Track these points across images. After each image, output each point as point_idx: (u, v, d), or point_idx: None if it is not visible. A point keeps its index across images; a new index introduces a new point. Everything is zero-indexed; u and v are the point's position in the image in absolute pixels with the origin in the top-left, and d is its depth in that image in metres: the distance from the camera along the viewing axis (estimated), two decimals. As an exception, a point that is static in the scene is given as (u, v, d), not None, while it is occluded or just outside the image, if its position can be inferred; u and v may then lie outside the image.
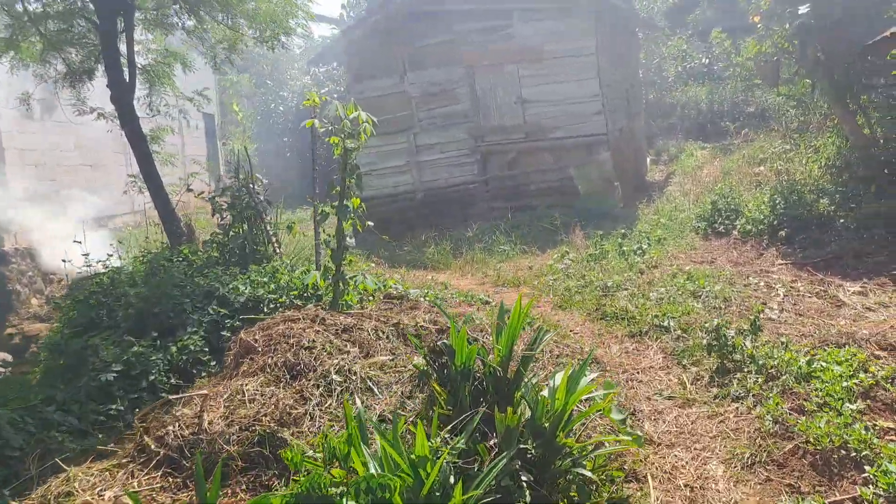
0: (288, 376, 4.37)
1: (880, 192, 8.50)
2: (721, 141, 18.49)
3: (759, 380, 4.52)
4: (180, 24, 9.38)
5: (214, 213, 8.24)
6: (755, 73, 21.78)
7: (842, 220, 8.32)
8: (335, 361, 4.46)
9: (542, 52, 12.34)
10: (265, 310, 6.20)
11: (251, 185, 8.22)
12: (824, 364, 4.45)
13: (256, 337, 4.83)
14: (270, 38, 8.66)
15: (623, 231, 9.89)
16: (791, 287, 6.74)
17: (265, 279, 6.83)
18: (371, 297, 6.48)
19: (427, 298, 7.19)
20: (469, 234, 10.70)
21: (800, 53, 9.45)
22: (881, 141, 9.13)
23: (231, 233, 8.02)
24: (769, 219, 8.66)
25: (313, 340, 4.66)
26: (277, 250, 8.30)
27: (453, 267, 9.68)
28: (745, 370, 4.68)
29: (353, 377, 4.34)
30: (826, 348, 4.76)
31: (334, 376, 4.31)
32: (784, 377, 4.43)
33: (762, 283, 6.83)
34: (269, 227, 8.34)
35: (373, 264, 10.29)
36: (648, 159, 17.32)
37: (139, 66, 9.14)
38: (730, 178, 12.00)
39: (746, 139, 17.21)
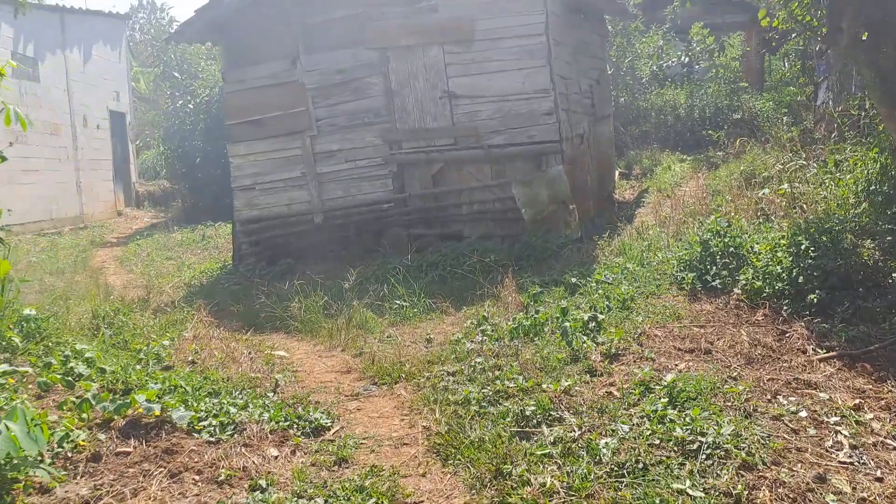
0: None
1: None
2: (702, 152, 15.62)
3: None
4: None
5: None
6: (741, 74, 19.14)
7: (898, 276, 5.42)
8: None
9: (473, 30, 9.29)
10: None
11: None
12: None
13: None
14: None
15: (574, 280, 6.82)
16: (858, 423, 3.73)
17: None
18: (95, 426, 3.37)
19: (212, 424, 4.06)
20: (353, 278, 7.56)
21: (829, 27, 6.51)
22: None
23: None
24: (791, 272, 5.65)
25: None
26: None
27: (323, 332, 6.54)
28: None
29: None
30: None
31: None
32: None
33: (803, 413, 3.80)
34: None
35: (212, 322, 7.12)
36: (617, 173, 14.35)
37: None
38: (720, 201, 9.03)
39: (734, 151, 14.35)
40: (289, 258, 9.96)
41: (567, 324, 4.96)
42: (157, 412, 3.92)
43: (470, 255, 8.60)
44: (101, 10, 18.58)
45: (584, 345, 4.89)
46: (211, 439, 3.90)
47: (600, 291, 6.22)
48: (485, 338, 5.49)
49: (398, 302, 6.93)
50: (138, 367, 5.18)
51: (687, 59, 19.01)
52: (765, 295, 5.69)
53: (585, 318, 5.36)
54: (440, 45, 9.44)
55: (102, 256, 13.79)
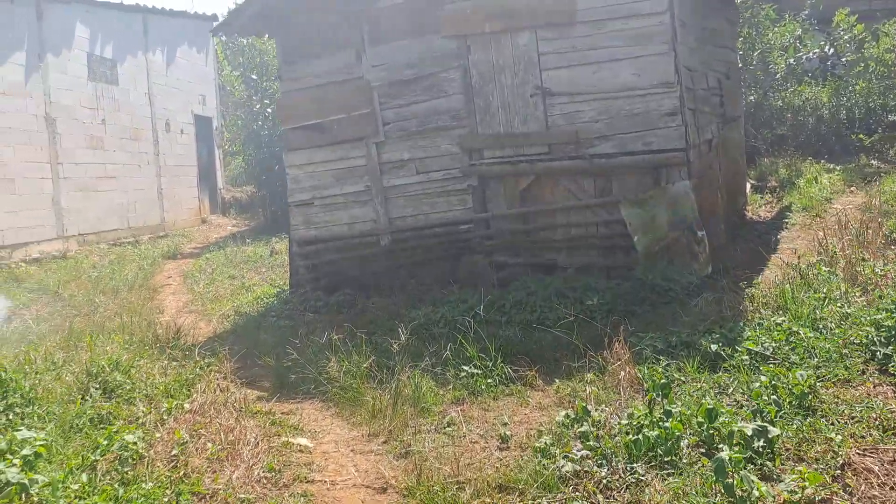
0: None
1: None
2: (852, 160, 13.01)
3: None
4: None
5: None
6: (900, 68, 16.14)
7: None
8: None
9: (573, 10, 7.41)
10: None
11: None
12: None
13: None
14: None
15: (715, 348, 4.83)
16: None
17: None
18: None
19: None
20: (418, 319, 5.86)
21: None
22: None
23: None
24: None
25: None
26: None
27: (364, 406, 4.88)
28: None
29: None
30: None
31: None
32: None
33: None
34: None
35: (235, 378, 5.62)
36: (749, 186, 12.00)
37: None
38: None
39: (894, 158, 11.74)
40: (348, 288, 8.42)
41: (724, 454, 3.03)
42: None
43: (566, 296, 6.73)
44: (186, 10, 17.75)
45: (754, 492, 2.95)
46: None
47: (761, 375, 4.20)
48: (586, 451, 3.64)
49: (467, 368, 5.16)
50: (88, 474, 3.68)
51: (831, 51, 16.21)
52: None
53: (748, 431, 3.40)
54: (532, 30, 7.62)
55: (169, 271, 12.83)
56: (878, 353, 4.28)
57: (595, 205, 7.64)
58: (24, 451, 3.76)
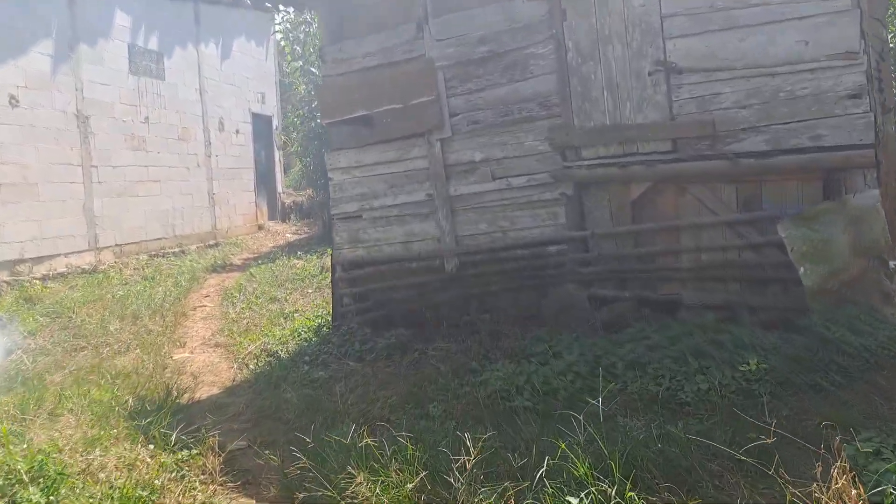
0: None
1: None
2: None
3: None
4: None
5: None
6: None
7: None
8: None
9: (719, -52, 5.37)
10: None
11: None
12: None
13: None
14: None
15: None
16: None
17: None
18: None
19: None
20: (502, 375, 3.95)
21: None
22: None
23: None
24: None
25: None
26: None
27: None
28: None
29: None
30: None
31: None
32: None
33: None
34: None
35: (224, 481, 3.85)
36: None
37: None
38: None
39: None
40: (402, 325, 6.59)
41: None
42: None
43: (706, 354, 4.69)
44: (245, 1, 16.41)
45: None
46: None
47: None
48: None
49: (577, 468, 3.20)
50: None
51: None
52: None
53: None
54: (654, -18, 5.60)
55: (209, 287, 11.34)
56: None
57: (739, 221, 5.54)
58: None
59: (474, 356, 5.63)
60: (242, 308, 9.48)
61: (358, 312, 6.97)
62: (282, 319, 8.56)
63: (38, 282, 9.88)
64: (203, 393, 6.02)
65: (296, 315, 8.73)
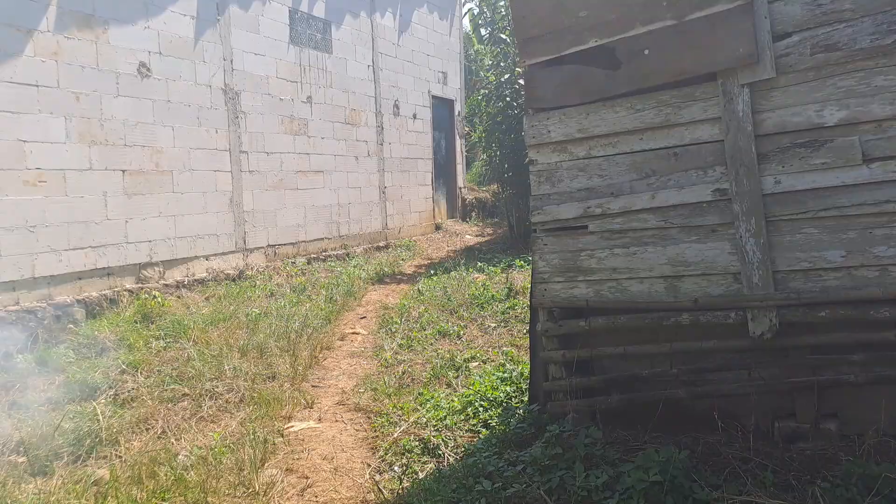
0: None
1: None
2: None
3: None
4: None
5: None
6: None
7: None
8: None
9: None
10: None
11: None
12: None
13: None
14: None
15: None
16: None
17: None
18: None
19: None
20: None
21: None
22: None
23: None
24: None
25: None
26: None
27: None
28: None
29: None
30: None
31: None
32: None
33: None
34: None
35: None
36: None
37: None
38: None
39: None
40: (658, 429, 3.54)
41: None
42: None
43: None
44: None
45: None
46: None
47: None
48: None
49: None
50: None
51: None
52: None
53: None
54: None
55: (367, 305, 8.98)
56: None
57: None
58: None
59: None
60: (401, 344, 6.88)
61: (576, 393, 3.99)
62: (451, 371, 5.82)
63: (158, 294, 7.98)
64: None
65: (472, 365, 5.96)
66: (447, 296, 8.51)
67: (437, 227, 16.14)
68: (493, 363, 5.92)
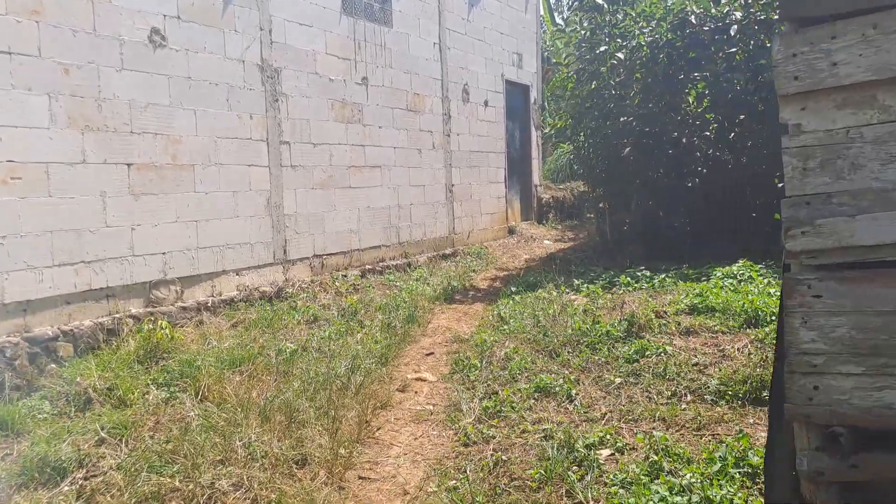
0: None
1: None
2: None
3: None
4: None
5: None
6: None
7: None
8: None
9: None
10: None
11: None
12: None
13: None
14: None
15: None
16: None
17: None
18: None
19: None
20: None
21: None
22: None
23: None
24: None
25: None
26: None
27: None
28: None
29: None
30: None
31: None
32: None
33: None
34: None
35: None
36: None
37: None
38: None
39: None
40: None
41: None
42: None
43: None
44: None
45: None
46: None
47: None
48: None
49: None
50: None
51: None
52: None
53: None
54: None
55: (434, 336, 7.03)
56: None
57: None
58: None
59: None
60: (487, 407, 4.84)
61: None
62: (573, 470, 3.77)
63: (165, 324, 6.17)
64: None
65: (601, 455, 3.89)
66: (540, 327, 6.45)
67: (511, 231, 14.10)
68: (634, 454, 3.85)
